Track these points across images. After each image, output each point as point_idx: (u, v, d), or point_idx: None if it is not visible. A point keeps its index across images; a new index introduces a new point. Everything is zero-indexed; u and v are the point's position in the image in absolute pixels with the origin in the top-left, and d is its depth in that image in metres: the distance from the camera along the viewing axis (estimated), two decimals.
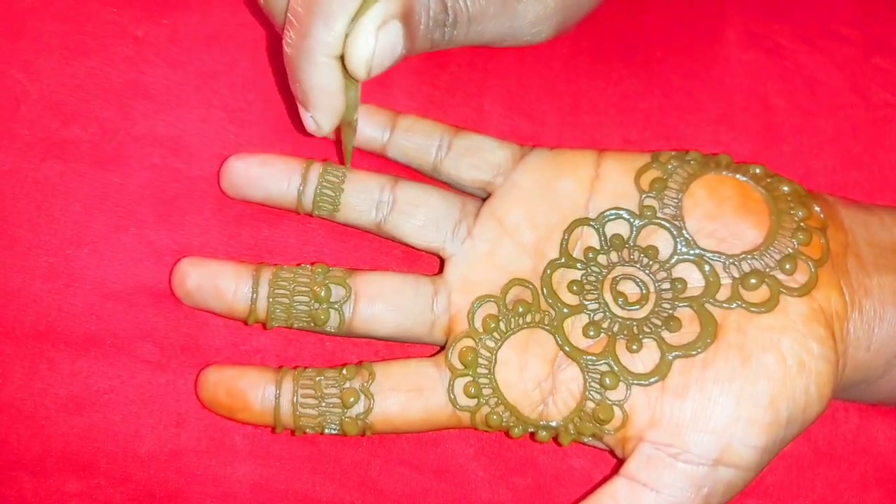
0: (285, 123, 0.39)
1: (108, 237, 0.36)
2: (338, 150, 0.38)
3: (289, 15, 0.32)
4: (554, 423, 0.33)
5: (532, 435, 0.34)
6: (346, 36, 0.31)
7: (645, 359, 0.33)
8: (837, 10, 0.43)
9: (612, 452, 0.34)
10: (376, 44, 0.31)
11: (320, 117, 0.33)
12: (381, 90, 0.38)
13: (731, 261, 0.33)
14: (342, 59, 0.32)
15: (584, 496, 0.33)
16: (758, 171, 0.35)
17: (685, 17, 0.43)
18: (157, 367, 0.36)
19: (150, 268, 0.36)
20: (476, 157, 0.37)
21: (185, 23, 0.39)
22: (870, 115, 0.41)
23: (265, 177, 0.36)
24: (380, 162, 0.38)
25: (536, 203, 0.36)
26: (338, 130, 0.36)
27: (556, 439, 0.34)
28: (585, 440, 0.34)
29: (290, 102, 0.38)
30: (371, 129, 0.37)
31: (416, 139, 0.37)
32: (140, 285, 0.36)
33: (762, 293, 0.33)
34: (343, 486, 0.36)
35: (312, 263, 0.36)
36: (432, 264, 0.38)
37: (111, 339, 0.36)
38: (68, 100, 0.37)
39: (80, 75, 0.38)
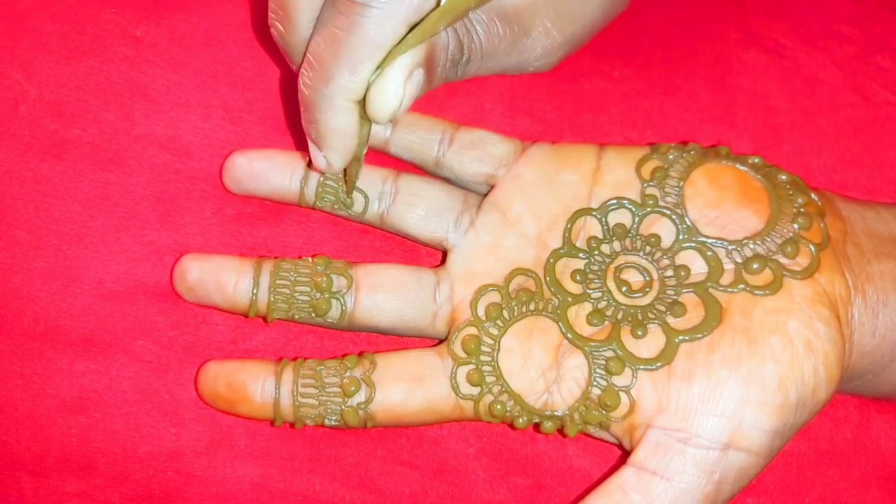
0: (285, 123, 0.39)
1: (108, 237, 0.36)
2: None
3: (308, 55, 0.31)
4: (559, 413, 0.33)
5: (537, 427, 0.34)
6: (370, 83, 0.31)
7: (650, 344, 0.33)
8: (838, 9, 0.43)
9: (619, 445, 0.34)
10: (405, 94, 0.31)
11: (333, 157, 0.33)
12: None
13: (733, 246, 0.34)
14: (361, 101, 0.31)
15: (590, 489, 0.33)
16: (756, 160, 0.35)
17: (686, 17, 0.43)
18: (156, 367, 0.36)
19: (150, 267, 0.36)
20: (479, 150, 0.37)
21: (184, 23, 0.39)
22: (870, 114, 0.41)
23: (268, 170, 0.36)
24: (381, 159, 0.38)
25: (539, 194, 0.36)
26: None
27: (561, 431, 0.34)
28: (591, 430, 0.33)
29: (300, 137, 0.38)
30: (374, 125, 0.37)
31: (418, 133, 0.37)
32: (139, 285, 0.36)
33: (765, 277, 0.33)
34: (343, 486, 0.35)
35: (314, 256, 0.36)
36: (433, 263, 0.38)
37: (110, 338, 0.36)
38: (68, 100, 0.37)
39: (79, 75, 0.38)
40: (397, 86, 0.31)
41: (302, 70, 0.32)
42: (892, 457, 0.37)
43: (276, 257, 0.36)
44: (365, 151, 0.34)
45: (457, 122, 0.38)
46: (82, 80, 0.38)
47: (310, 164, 0.35)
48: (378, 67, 0.30)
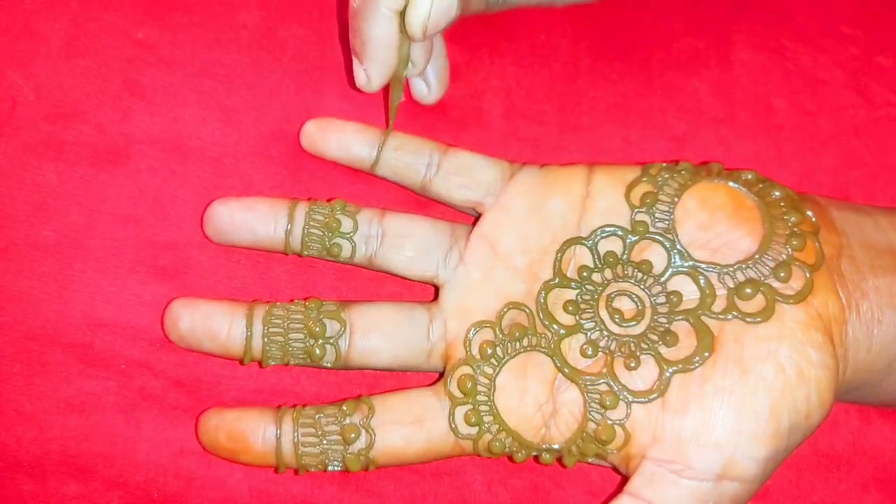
0: (283, 125, 0.39)
1: (107, 237, 0.36)
2: (385, 109, 0.39)
3: None
4: (556, 446, 0.33)
5: (536, 458, 0.34)
6: None
7: (644, 375, 0.33)
8: (840, 9, 0.43)
9: (616, 469, 0.34)
10: (432, 5, 0.32)
11: (373, 70, 0.34)
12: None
13: (725, 271, 0.33)
14: (401, 15, 0.33)
15: (587, 491, 0.33)
16: (749, 176, 0.34)
17: (686, 17, 0.43)
18: (156, 368, 0.36)
19: (148, 267, 0.36)
20: (466, 176, 0.36)
21: (184, 24, 0.39)
22: (872, 114, 0.41)
23: (250, 221, 0.36)
24: (368, 179, 0.38)
25: (527, 225, 0.35)
26: (385, 90, 0.36)
27: (559, 461, 0.34)
28: (589, 460, 0.33)
29: (350, 63, 0.39)
30: (360, 147, 0.37)
31: (405, 158, 0.37)
32: (138, 286, 0.36)
33: (758, 302, 0.32)
34: (342, 489, 0.35)
35: (306, 299, 0.36)
36: (428, 289, 0.38)
37: (110, 340, 0.36)
38: (67, 100, 0.37)
39: (78, 76, 0.38)
40: None
41: None
42: (892, 460, 0.37)
43: (272, 269, 0.36)
44: (405, 73, 0.35)
45: (456, 122, 0.38)
46: (81, 80, 0.38)
47: (353, 84, 0.36)
48: None
